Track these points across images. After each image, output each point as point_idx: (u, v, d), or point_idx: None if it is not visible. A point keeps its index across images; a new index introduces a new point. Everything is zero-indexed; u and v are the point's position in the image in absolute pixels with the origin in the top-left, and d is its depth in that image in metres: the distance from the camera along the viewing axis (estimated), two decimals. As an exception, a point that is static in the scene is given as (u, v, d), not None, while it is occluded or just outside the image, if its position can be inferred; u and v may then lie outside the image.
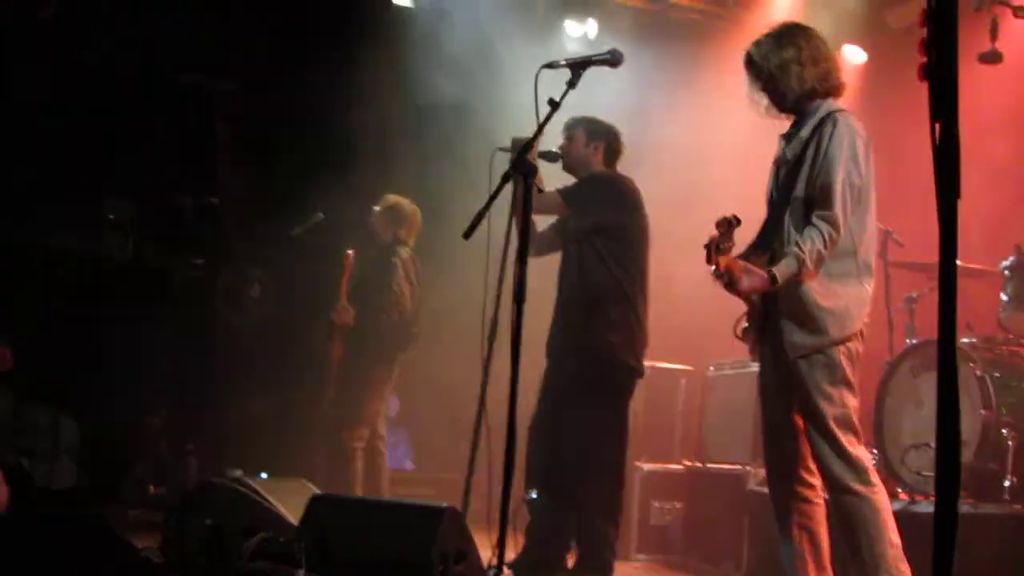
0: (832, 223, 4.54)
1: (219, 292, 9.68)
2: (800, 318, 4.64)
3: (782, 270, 4.53)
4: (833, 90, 4.84)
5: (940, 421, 2.09)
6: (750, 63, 4.89)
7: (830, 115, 4.71)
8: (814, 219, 4.58)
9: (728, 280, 4.55)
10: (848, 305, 4.66)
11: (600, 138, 6.37)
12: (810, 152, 4.69)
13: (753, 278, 4.53)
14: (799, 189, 4.70)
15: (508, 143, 5.76)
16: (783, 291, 4.61)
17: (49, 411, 8.79)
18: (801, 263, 4.51)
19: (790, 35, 4.84)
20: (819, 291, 4.62)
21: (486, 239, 5.16)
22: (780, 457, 4.86)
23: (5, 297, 8.81)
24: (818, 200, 4.61)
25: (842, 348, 4.64)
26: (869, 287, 4.74)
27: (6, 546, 4.80)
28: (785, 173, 4.83)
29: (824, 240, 4.53)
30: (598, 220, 6.17)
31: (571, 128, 6.36)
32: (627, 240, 6.21)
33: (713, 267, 4.49)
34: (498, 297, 5.62)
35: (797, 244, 4.55)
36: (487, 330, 5.49)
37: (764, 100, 4.92)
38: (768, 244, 4.79)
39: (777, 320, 4.71)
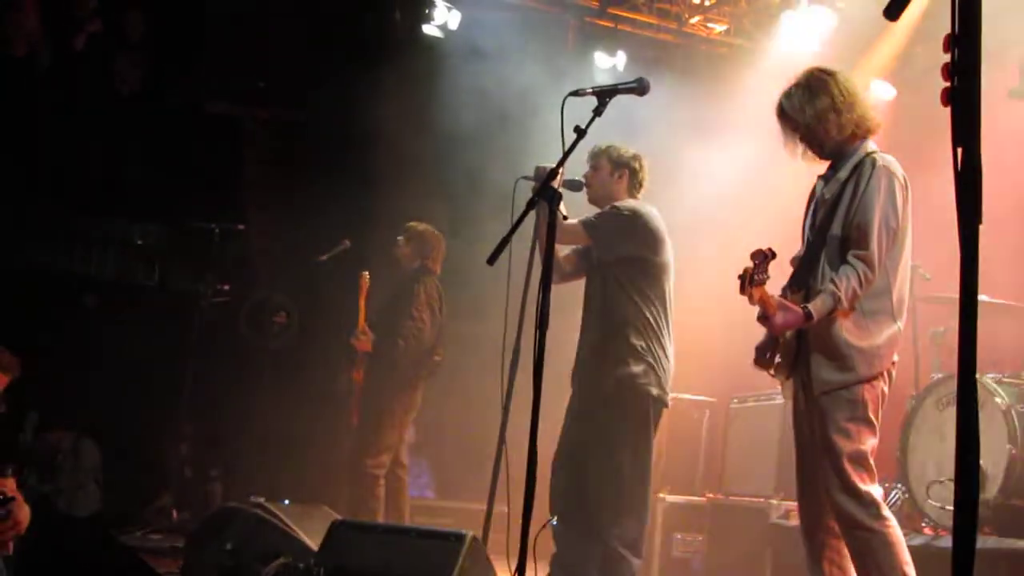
0: (868, 263, 4.54)
1: (245, 318, 9.72)
2: (830, 354, 4.63)
3: (817, 307, 4.52)
4: (870, 131, 4.83)
5: (959, 453, 2.07)
6: (784, 115, 4.87)
7: (869, 156, 4.70)
8: (850, 258, 4.58)
9: (762, 314, 4.54)
10: (879, 344, 4.65)
11: (625, 167, 6.34)
12: (848, 192, 4.68)
13: (788, 314, 4.53)
14: (836, 228, 4.69)
15: (533, 171, 5.78)
16: (815, 327, 4.60)
17: (71, 435, 8.83)
18: (836, 301, 4.51)
19: (821, 83, 4.79)
20: (851, 329, 4.61)
21: (507, 266, 5.16)
22: (813, 492, 4.81)
23: (33, 320, 8.87)
24: (855, 240, 4.60)
25: (867, 386, 4.62)
26: (901, 326, 4.73)
27: (28, 569, 4.81)
28: (823, 213, 4.80)
29: (860, 279, 4.53)
30: (622, 251, 6.16)
31: (596, 157, 6.33)
32: (651, 271, 6.19)
33: (747, 298, 4.49)
34: (520, 325, 5.61)
35: (833, 282, 4.54)
36: (508, 358, 5.49)
37: (800, 148, 4.89)
38: (804, 282, 4.78)
39: (807, 355, 4.70)
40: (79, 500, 8.71)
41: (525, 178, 5.77)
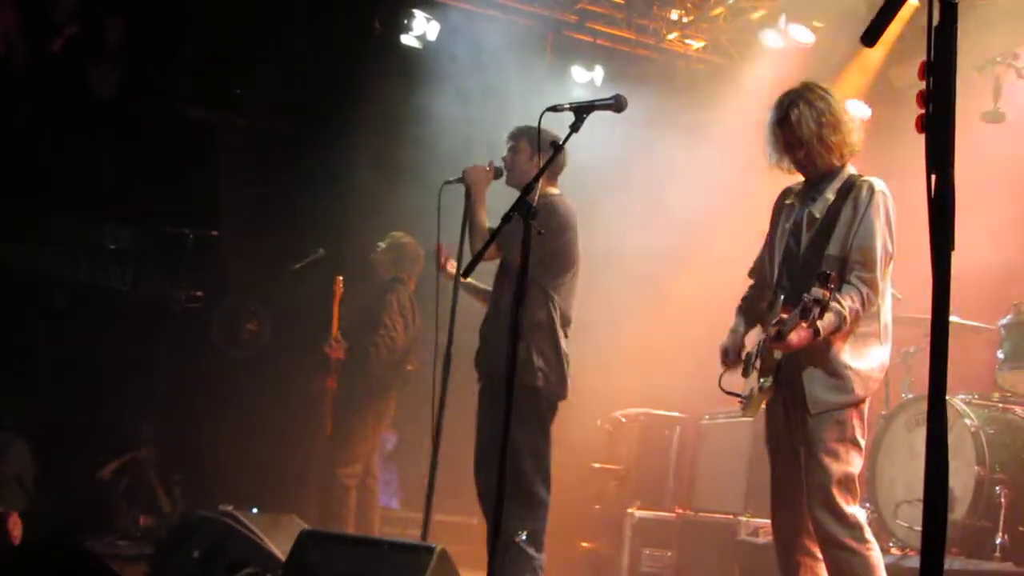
0: (872, 286, 4.57)
1: (217, 325, 9.68)
2: (828, 375, 4.63)
3: (824, 325, 4.49)
4: (854, 154, 4.84)
5: (927, 474, 2.08)
6: (785, 126, 4.79)
7: (863, 180, 4.72)
8: (854, 280, 4.59)
9: (777, 333, 4.51)
10: (872, 366, 4.68)
11: (545, 152, 5.66)
12: (845, 215, 4.68)
13: (800, 332, 4.49)
14: (833, 248, 4.69)
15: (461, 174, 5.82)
16: (811, 346, 4.59)
17: (6, 435, 8.71)
18: (842, 319, 4.50)
19: (825, 102, 4.77)
20: (847, 350, 4.63)
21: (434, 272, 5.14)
22: (788, 511, 4.82)
23: (1, 321, 8.80)
24: (858, 263, 4.61)
25: (856, 408, 4.64)
26: (888, 349, 4.76)
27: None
28: (814, 233, 4.78)
29: (863, 301, 4.55)
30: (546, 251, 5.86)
31: (516, 138, 6.03)
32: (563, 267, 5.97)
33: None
34: (450, 327, 5.57)
35: (838, 300, 4.49)
36: (442, 362, 5.46)
37: (784, 161, 4.86)
38: (798, 300, 4.71)
39: (797, 375, 4.68)
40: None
41: (448, 182, 5.80)
